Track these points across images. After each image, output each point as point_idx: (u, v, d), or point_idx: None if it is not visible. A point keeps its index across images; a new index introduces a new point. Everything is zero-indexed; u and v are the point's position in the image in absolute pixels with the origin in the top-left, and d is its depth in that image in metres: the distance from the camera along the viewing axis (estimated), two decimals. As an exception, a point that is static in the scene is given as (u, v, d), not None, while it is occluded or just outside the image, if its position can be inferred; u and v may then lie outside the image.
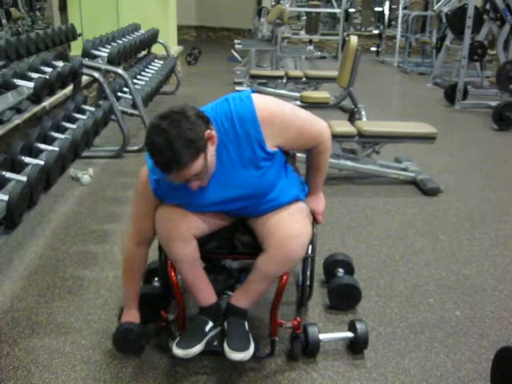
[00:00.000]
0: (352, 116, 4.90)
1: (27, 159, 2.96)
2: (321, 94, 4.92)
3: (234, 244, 2.04)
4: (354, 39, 4.31)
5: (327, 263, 2.56)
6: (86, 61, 4.44)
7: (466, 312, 2.42)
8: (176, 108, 1.70)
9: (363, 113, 4.77)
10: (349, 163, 4.01)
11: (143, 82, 5.47)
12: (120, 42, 5.35)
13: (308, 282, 2.26)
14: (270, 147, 1.82)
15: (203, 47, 10.65)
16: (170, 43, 7.23)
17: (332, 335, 2.14)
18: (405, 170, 4.12)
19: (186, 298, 2.17)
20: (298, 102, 4.74)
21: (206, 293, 1.99)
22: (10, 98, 3.26)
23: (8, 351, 2.09)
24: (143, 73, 5.82)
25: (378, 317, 2.37)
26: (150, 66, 6.18)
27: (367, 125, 4.00)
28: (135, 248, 2.01)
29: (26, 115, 3.92)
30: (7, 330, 2.22)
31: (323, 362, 2.07)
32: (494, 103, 6.02)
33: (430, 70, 9.02)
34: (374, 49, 11.41)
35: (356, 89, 4.64)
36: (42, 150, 3.17)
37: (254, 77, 6.46)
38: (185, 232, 1.86)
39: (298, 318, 2.03)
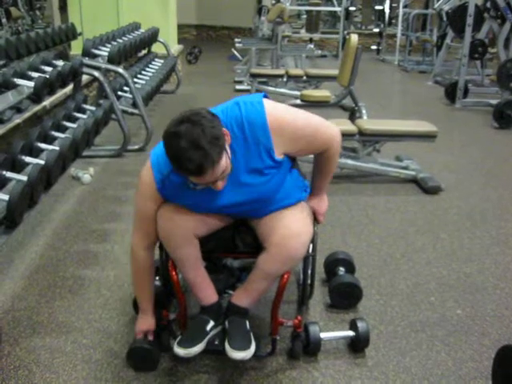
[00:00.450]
0: (352, 114, 4.89)
1: (28, 159, 2.96)
2: (321, 93, 4.91)
3: (235, 243, 2.04)
4: (354, 38, 4.31)
5: (328, 262, 2.56)
6: (87, 60, 4.44)
7: (467, 310, 2.42)
8: (187, 112, 1.64)
9: (364, 111, 4.76)
10: (349, 162, 4.00)
11: (143, 81, 5.47)
12: (120, 41, 5.35)
13: (309, 281, 2.26)
14: (278, 155, 1.79)
15: (203, 46, 10.65)
16: (170, 42, 7.23)
17: (333, 334, 2.14)
18: (405, 168, 4.12)
19: (187, 297, 2.16)
20: (299, 101, 4.74)
21: (207, 292, 1.98)
22: (11, 98, 3.26)
23: (9, 351, 2.09)
24: (143, 72, 5.82)
25: (379, 315, 2.37)
26: (150, 65, 6.19)
27: (368, 123, 4.00)
28: (145, 253, 1.95)
29: (27, 114, 3.93)
30: (8, 329, 2.22)
31: (324, 361, 2.07)
32: (494, 101, 6.01)
33: (430, 68, 9.01)
34: (374, 47, 11.40)
35: (356, 87, 4.64)
36: (42, 150, 3.17)
37: (254, 75, 6.46)
38: (186, 231, 1.85)
39: (299, 317, 2.03)
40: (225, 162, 1.66)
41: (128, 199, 3.54)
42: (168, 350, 2.02)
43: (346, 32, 10.26)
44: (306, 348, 2.06)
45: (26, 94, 3.34)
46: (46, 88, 3.35)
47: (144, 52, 6.47)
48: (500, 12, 6.33)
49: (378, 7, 11.65)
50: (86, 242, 3.00)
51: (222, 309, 1.99)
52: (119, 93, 4.79)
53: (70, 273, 2.67)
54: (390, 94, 7.91)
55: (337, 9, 11.06)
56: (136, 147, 4.58)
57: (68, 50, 5.26)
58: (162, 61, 6.52)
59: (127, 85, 4.71)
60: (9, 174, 2.73)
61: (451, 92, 6.74)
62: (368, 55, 10.52)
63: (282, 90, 6.41)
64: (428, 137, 3.96)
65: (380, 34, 11.25)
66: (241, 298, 1.95)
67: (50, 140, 3.33)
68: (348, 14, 10.86)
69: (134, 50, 5.43)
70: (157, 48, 6.80)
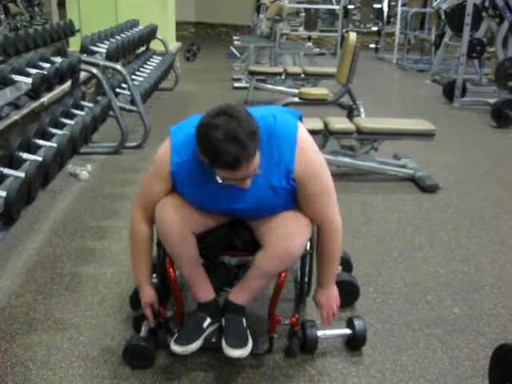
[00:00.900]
0: (351, 113, 4.89)
1: (25, 155, 2.95)
2: (319, 91, 4.90)
3: (232, 240, 2.04)
4: (352, 36, 4.30)
5: (325, 260, 2.55)
6: (85, 57, 4.43)
7: (464, 309, 2.43)
8: (224, 105, 1.62)
9: (362, 109, 4.76)
10: (347, 160, 4.00)
11: (142, 78, 5.46)
12: (118, 37, 5.34)
13: (306, 279, 2.26)
14: (293, 178, 1.79)
15: (202, 43, 10.64)
16: (168, 39, 7.22)
17: (330, 332, 2.14)
18: (403, 166, 4.12)
19: (184, 295, 2.16)
20: (297, 99, 4.73)
21: (204, 289, 1.98)
22: (8, 94, 3.25)
23: (6, 347, 2.09)
24: (142, 69, 5.81)
25: (376, 314, 2.38)
26: (148, 62, 6.17)
27: (366, 121, 4.00)
28: (144, 226, 1.94)
29: (24, 111, 3.92)
30: (5, 326, 2.21)
31: (321, 359, 2.08)
32: (492, 100, 6.01)
33: (428, 67, 9.02)
34: (372, 46, 11.39)
35: (355, 85, 4.63)
36: (40, 146, 3.16)
37: (252, 73, 6.45)
38: (183, 228, 1.85)
39: (297, 315, 2.03)
40: (257, 159, 1.65)
41: (126, 196, 3.54)
42: (165, 347, 2.02)
43: (344, 30, 10.23)
44: (303, 346, 2.07)
45: (24, 91, 3.33)
46: (43, 84, 3.34)
47: (142, 49, 6.46)
48: (498, 11, 6.33)
49: (376, 5, 11.66)
50: (84, 238, 3.00)
51: (219, 306, 1.99)
52: (117, 90, 4.78)
53: (67, 270, 2.67)
54: (388, 93, 7.91)
55: (335, 7, 11.05)
56: (134, 144, 4.57)
57: (66, 47, 5.25)
58: (160, 58, 6.51)
59: (125, 82, 4.70)
60: (6, 171, 2.73)
61: (449, 91, 6.74)
62: (366, 53, 10.51)
63: (280, 88, 6.41)
64: (426, 135, 3.96)
65: (378, 33, 11.25)
66: (238, 295, 1.95)
67: (47, 136, 3.32)
68: (346, 12, 10.86)
69: (132, 47, 5.42)
70: (155, 45, 6.79)
